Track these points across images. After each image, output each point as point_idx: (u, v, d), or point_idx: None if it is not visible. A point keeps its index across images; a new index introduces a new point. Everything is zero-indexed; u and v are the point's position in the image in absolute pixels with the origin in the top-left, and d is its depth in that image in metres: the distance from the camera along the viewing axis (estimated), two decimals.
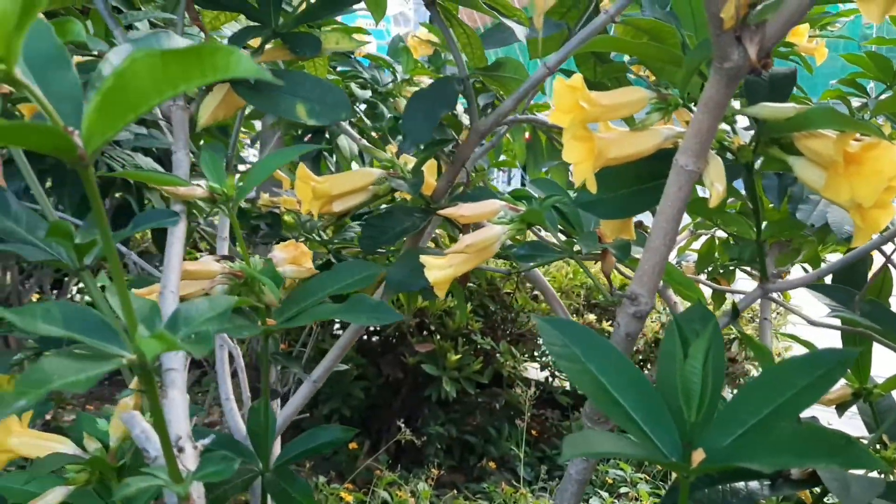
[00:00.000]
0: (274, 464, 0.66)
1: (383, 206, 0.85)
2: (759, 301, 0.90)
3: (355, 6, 0.79)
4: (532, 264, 0.65)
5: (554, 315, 0.75)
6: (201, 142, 1.31)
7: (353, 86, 1.28)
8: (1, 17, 0.26)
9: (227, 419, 0.83)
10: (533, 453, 2.22)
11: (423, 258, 0.64)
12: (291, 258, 0.64)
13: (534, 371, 2.42)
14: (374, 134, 1.32)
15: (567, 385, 2.43)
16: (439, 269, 0.64)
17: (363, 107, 1.28)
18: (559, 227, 0.68)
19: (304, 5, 0.79)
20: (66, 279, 2.11)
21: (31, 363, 0.32)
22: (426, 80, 1.26)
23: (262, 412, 0.65)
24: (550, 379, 2.44)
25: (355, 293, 0.63)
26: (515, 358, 2.23)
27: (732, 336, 2.04)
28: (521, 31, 0.73)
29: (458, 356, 2.13)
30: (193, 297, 0.61)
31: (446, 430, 2.20)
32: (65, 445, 0.57)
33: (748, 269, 1.21)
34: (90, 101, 0.29)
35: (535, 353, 2.38)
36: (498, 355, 2.21)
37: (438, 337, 2.20)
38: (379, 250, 0.83)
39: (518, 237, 0.64)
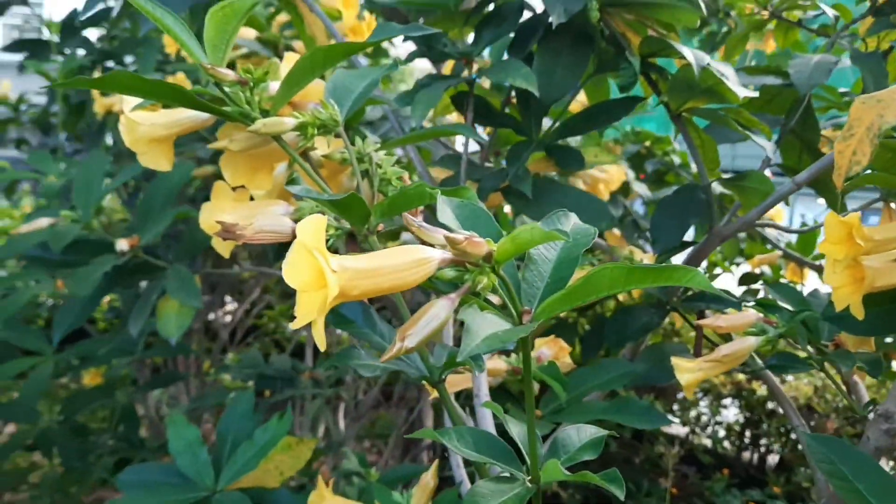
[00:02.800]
0: None
1: None
2: None
3: None
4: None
5: (787, 418, 0.78)
6: None
7: None
8: (515, 249, 0.34)
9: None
10: None
11: (675, 360, 0.70)
12: (554, 354, 0.71)
13: (674, 425, 2.40)
14: None
15: (708, 443, 2.39)
16: (690, 373, 0.69)
17: None
18: None
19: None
20: (241, 293, 2.35)
21: (469, 490, 0.40)
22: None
23: None
24: (691, 436, 2.41)
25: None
26: None
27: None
28: (768, 147, 0.77)
29: None
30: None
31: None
32: None
33: None
34: (555, 293, 0.37)
35: (675, 408, 2.36)
36: None
37: None
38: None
39: (769, 348, 0.69)
